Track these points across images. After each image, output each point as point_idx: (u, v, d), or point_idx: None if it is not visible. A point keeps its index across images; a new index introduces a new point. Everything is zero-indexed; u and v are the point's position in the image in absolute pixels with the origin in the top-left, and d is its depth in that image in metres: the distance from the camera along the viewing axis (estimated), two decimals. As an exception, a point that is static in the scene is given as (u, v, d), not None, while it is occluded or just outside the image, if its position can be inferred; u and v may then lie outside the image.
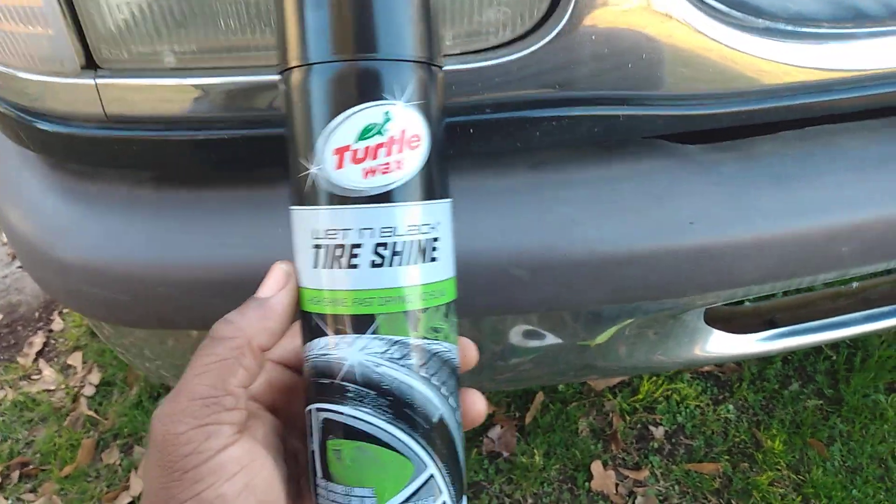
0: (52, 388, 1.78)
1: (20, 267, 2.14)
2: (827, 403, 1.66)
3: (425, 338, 0.42)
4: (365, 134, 0.40)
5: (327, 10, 0.39)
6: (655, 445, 1.61)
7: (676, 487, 1.54)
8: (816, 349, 1.74)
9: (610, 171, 0.71)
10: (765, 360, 1.73)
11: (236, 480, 0.38)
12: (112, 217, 0.69)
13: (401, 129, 0.40)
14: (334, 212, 0.40)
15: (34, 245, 0.71)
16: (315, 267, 0.41)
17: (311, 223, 0.41)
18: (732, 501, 1.51)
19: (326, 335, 0.42)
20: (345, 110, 0.39)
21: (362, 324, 0.41)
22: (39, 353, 1.87)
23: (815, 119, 0.76)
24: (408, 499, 0.42)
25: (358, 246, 0.40)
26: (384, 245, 0.40)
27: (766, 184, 0.72)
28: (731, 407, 1.66)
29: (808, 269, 0.75)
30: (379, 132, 0.40)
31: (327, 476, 0.43)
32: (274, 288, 0.43)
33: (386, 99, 0.40)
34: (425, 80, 0.41)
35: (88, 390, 1.76)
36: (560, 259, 0.67)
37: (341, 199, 0.40)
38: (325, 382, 0.42)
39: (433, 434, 0.42)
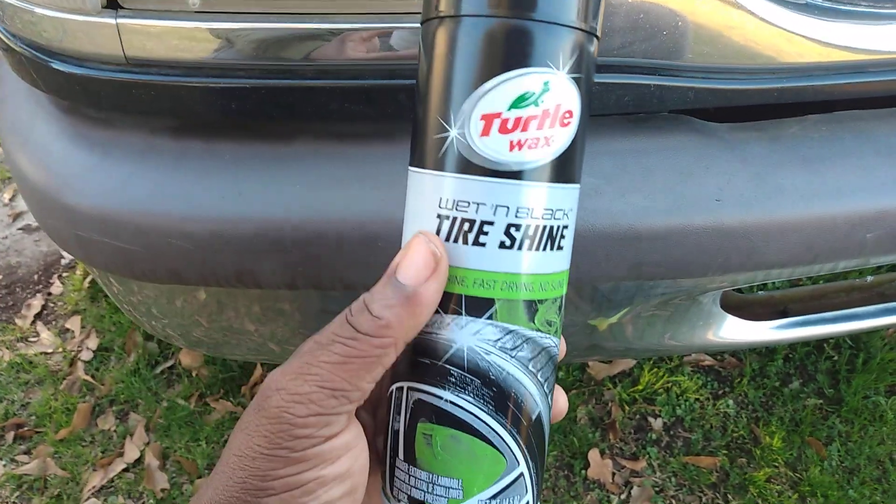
0: (50, 351, 1.77)
1: (20, 229, 2.12)
2: (827, 403, 1.66)
3: (539, 330, 0.39)
4: (519, 102, 0.36)
5: None
6: (653, 437, 1.61)
7: (673, 479, 1.53)
8: (818, 348, 1.73)
9: (638, 143, 0.69)
10: (766, 356, 1.72)
11: (340, 464, 0.37)
12: (126, 165, 0.67)
13: (556, 102, 0.37)
14: (470, 182, 0.37)
15: (44, 191, 0.69)
16: None
17: (439, 190, 0.38)
18: (729, 496, 1.51)
19: (437, 312, 0.38)
20: (503, 73, 0.36)
21: (479, 307, 0.38)
22: (37, 316, 1.85)
23: (844, 102, 0.75)
24: (495, 495, 0.39)
25: (490, 223, 0.37)
26: (517, 227, 0.37)
27: (792, 165, 0.71)
28: (730, 402, 1.65)
29: (830, 255, 0.73)
30: (535, 103, 0.36)
31: (411, 460, 0.40)
32: (422, 273, 0.37)
33: (549, 67, 0.36)
34: (587, 52, 0.38)
35: (86, 355, 1.75)
36: (582, 230, 0.66)
37: (480, 169, 0.37)
38: (425, 362, 0.39)
39: (530, 431, 0.40)
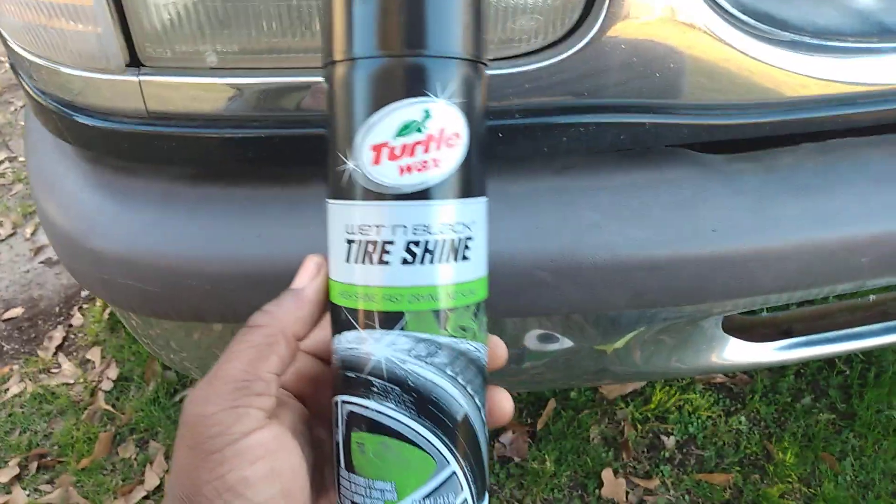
0: (71, 381, 1.81)
1: (42, 262, 2.17)
2: (839, 418, 1.66)
3: (453, 336, 0.42)
4: (403, 131, 0.39)
5: (374, 4, 0.39)
6: (666, 455, 1.61)
7: (687, 497, 1.54)
8: (830, 364, 1.74)
9: (634, 177, 0.72)
10: (777, 372, 1.73)
11: (261, 465, 0.38)
12: (148, 211, 0.71)
13: (440, 127, 0.40)
14: (368, 207, 0.40)
15: (71, 236, 0.73)
16: (347, 261, 0.41)
17: (345, 217, 0.41)
18: (743, 513, 1.51)
19: (356, 329, 0.42)
20: (384, 106, 0.39)
21: (391, 320, 0.41)
22: (59, 348, 1.90)
23: (837, 132, 0.77)
24: (428, 495, 0.42)
25: (390, 243, 0.40)
26: (416, 243, 0.40)
27: (787, 194, 0.73)
28: (743, 419, 1.66)
29: (827, 280, 0.76)
30: (418, 129, 0.39)
31: (350, 468, 0.43)
32: (306, 279, 0.44)
33: (427, 96, 0.39)
34: (468, 78, 0.41)
35: (106, 385, 1.78)
36: (583, 263, 0.69)
37: (376, 195, 0.40)
38: (351, 376, 0.42)
39: (456, 432, 0.42)
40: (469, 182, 0.42)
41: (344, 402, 0.43)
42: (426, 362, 0.41)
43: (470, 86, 0.41)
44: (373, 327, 0.41)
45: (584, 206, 0.70)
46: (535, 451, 1.60)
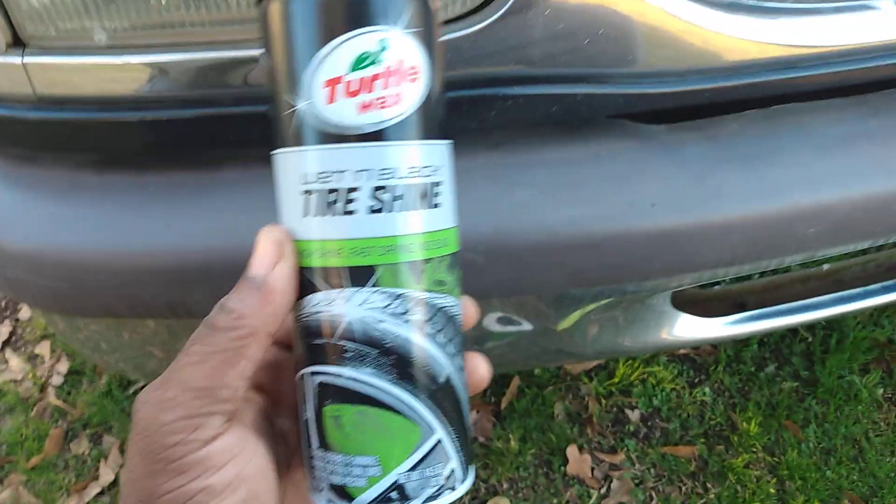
0: (19, 377, 1.75)
1: (-13, 254, 2.09)
2: (802, 385, 1.66)
3: (430, 291, 0.38)
4: (359, 63, 0.36)
5: None
6: (631, 429, 1.61)
7: (652, 471, 1.54)
8: (793, 331, 1.74)
9: (570, 152, 0.68)
10: (741, 342, 1.73)
11: (226, 471, 0.36)
12: (51, 202, 0.66)
13: (398, 59, 0.36)
14: (326, 152, 0.36)
15: (-30, 232, 0.68)
16: (305, 216, 0.37)
17: (299, 166, 0.37)
18: (708, 484, 1.51)
19: (320, 290, 0.37)
20: (336, 37, 0.35)
21: (362, 276, 0.37)
22: (6, 343, 1.83)
23: (781, 97, 0.74)
24: (415, 466, 0.38)
25: (354, 189, 0.36)
26: (384, 188, 0.36)
27: (731, 164, 0.70)
28: (707, 390, 1.65)
29: (774, 252, 0.73)
30: (374, 62, 0.36)
31: (325, 445, 0.39)
32: (268, 262, 0.37)
33: (382, 25, 0.36)
34: (424, 6, 0.37)
35: (56, 380, 1.73)
36: (517, 243, 0.65)
37: (334, 136, 0.36)
38: (319, 343, 0.38)
39: (440, 395, 0.39)
40: (432, 121, 0.38)
41: (313, 373, 0.39)
42: (404, 320, 0.37)
43: (425, 15, 0.37)
44: (340, 286, 0.37)
45: (518, 183, 0.66)
46: (499, 429, 1.58)
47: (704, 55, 0.65)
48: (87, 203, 0.65)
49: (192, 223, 0.64)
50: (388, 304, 0.37)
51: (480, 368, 0.44)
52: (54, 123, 0.61)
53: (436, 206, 0.39)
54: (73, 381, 1.73)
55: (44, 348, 1.80)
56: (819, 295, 0.97)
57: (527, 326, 0.83)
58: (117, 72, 0.58)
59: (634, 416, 1.63)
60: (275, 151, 0.39)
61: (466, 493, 1.50)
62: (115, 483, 1.53)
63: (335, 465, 0.38)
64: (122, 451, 1.58)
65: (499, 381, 1.67)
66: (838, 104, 0.76)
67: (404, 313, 0.38)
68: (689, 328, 0.90)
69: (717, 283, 1.02)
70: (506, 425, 1.59)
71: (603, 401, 1.64)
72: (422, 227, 0.38)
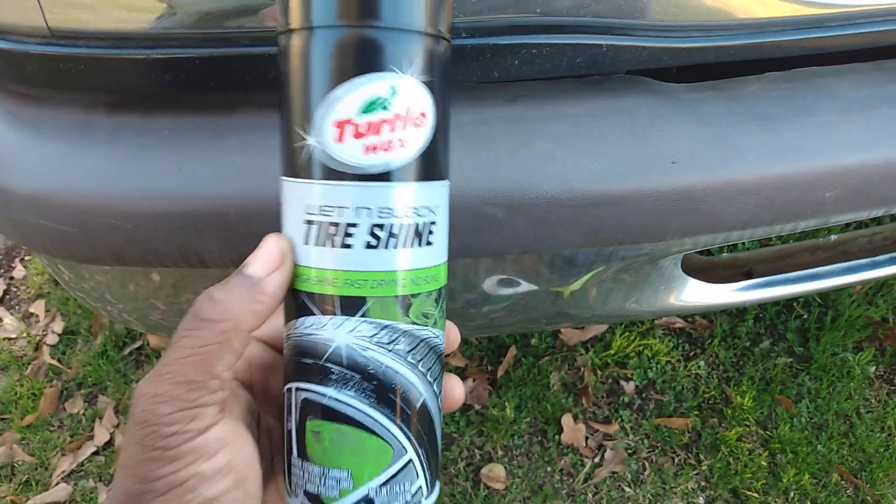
0: (14, 336, 1.73)
1: (-21, 212, 2.06)
2: (796, 361, 1.68)
3: (415, 323, 0.41)
4: (369, 107, 0.38)
5: None
6: (626, 400, 1.62)
7: (646, 441, 1.55)
8: (788, 308, 1.75)
9: (591, 106, 0.67)
10: (737, 317, 1.74)
11: (217, 459, 0.38)
12: (60, 144, 0.64)
13: (407, 105, 0.38)
14: (331, 188, 0.38)
15: (-24, 173, 0.66)
16: (306, 243, 0.40)
17: (304, 197, 0.39)
18: (701, 456, 1.52)
19: (313, 314, 0.40)
20: (349, 79, 0.37)
21: (353, 306, 0.39)
22: (0, 301, 1.81)
23: (802, 59, 0.73)
24: (385, 482, 0.41)
25: (354, 225, 0.39)
26: (381, 226, 0.39)
27: (750, 124, 0.69)
28: (701, 363, 1.66)
29: (790, 215, 0.72)
30: (384, 107, 0.38)
31: (304, 456, 0.42)
32: (267, 266, 0.40)
33: (394, 71, 0.37)
34: (435, 55, 0.39)
35: (51, 339, 1.71)
36: (536, 197, 0.64)
37: (339, 174, 0.38)
38: (308, 362, 0.41)
39: (415, 420, 0.42)
40: (434, 164, 0.41)
41: (298, 388, 0.42)
42: (388, 349, 0.40)
43: (436, 63, 0.39)
44: (332, 313, 0.40)
45: (538, 136, 0.65)
46: (495, 398, 1.59)
47: (731, 11, 0.64)
48: (98, 145, 0.64)
49: (205, 168, 0.62)
50: (375, 334, 0.40)
51: (456, 390, 0.48)
52: (65, 59, 0.59)
53: (429, 244, 0.41)
54: (68, 340, 1.72)
55: (38, 307, 1.78)
56: (826, 265, 0.97)
57: (528, 288, 0.82)
58: (133, 4, 0.56)
59: (629, 387, 1.64)
60: (283, 178, 0.41)
61: (462, 461, 1.50)
62: (109, 443, 1.53)
63: (311, 475, 0.41)
64: (117, 411, 1.58)
65: (495, 351, 1.67)
66: (858, 68, 0.75)
67: (389, 343, 0.40)
68: (697, 293, 0.90)
69: (725, 251, 1.02)
70: (502, 393, 1.59)
71: (598, 371, 1.65)
72: (413, 264, 0.40)
